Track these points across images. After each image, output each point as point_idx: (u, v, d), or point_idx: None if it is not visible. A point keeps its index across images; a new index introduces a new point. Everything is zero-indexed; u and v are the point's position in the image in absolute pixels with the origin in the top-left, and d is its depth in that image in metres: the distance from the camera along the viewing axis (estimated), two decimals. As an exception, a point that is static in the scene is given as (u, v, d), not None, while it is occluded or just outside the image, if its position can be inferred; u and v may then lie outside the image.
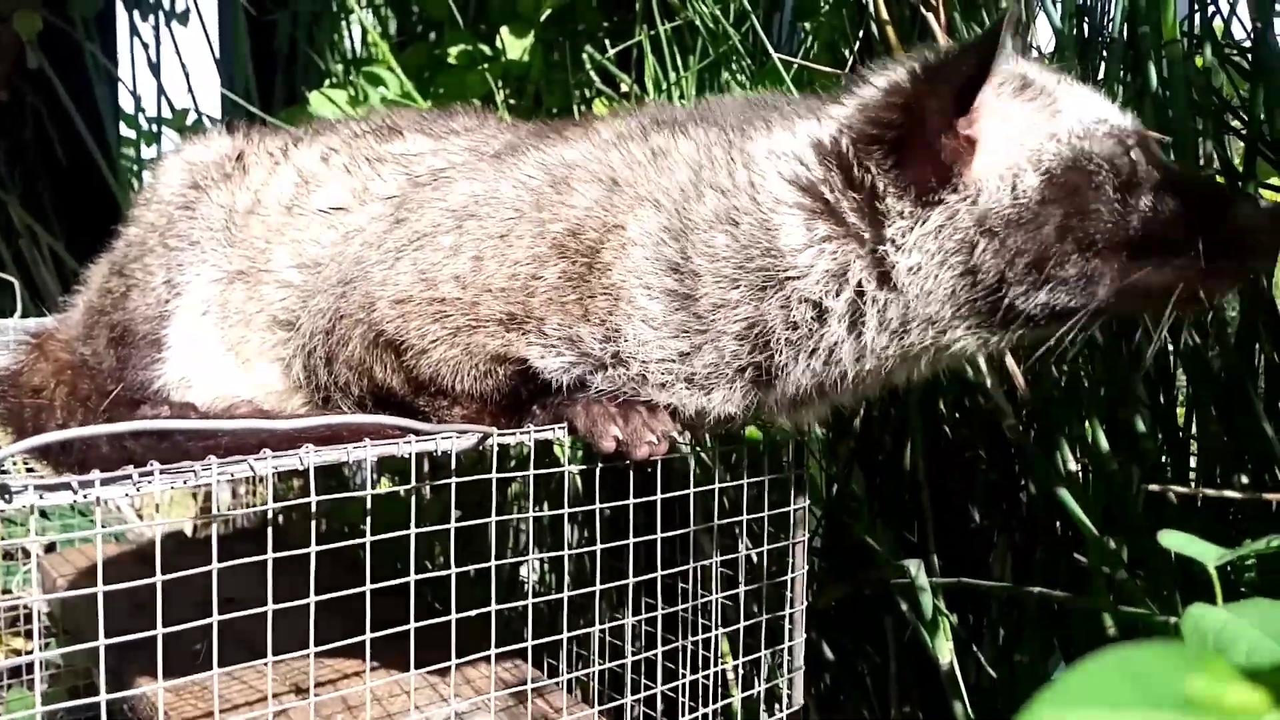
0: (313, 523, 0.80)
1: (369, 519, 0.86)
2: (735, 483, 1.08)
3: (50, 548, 1.59)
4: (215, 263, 1.08)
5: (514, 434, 0.92)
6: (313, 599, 0.81)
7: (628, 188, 0.94)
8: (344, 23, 2.43)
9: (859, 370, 0.91)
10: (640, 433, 0.92)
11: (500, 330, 0.93)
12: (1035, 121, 0.87)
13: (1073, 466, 1.16)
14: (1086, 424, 1.16)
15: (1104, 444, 1.14)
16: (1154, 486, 1.02)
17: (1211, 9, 1.26)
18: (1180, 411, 1.29)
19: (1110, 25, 1.25)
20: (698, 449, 1.18)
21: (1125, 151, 0.87)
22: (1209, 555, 0.76)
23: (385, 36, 2.42)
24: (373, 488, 1.96)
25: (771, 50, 1.40)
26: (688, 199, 0.91)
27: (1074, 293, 0.85)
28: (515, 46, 1.72)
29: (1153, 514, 1.20)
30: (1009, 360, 1.23)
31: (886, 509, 1.49)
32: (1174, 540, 0.78)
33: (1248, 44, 1.22)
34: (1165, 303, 0.85)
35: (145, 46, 2.59)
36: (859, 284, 0.88)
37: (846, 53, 1.56)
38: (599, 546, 0.99)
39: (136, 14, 2.61)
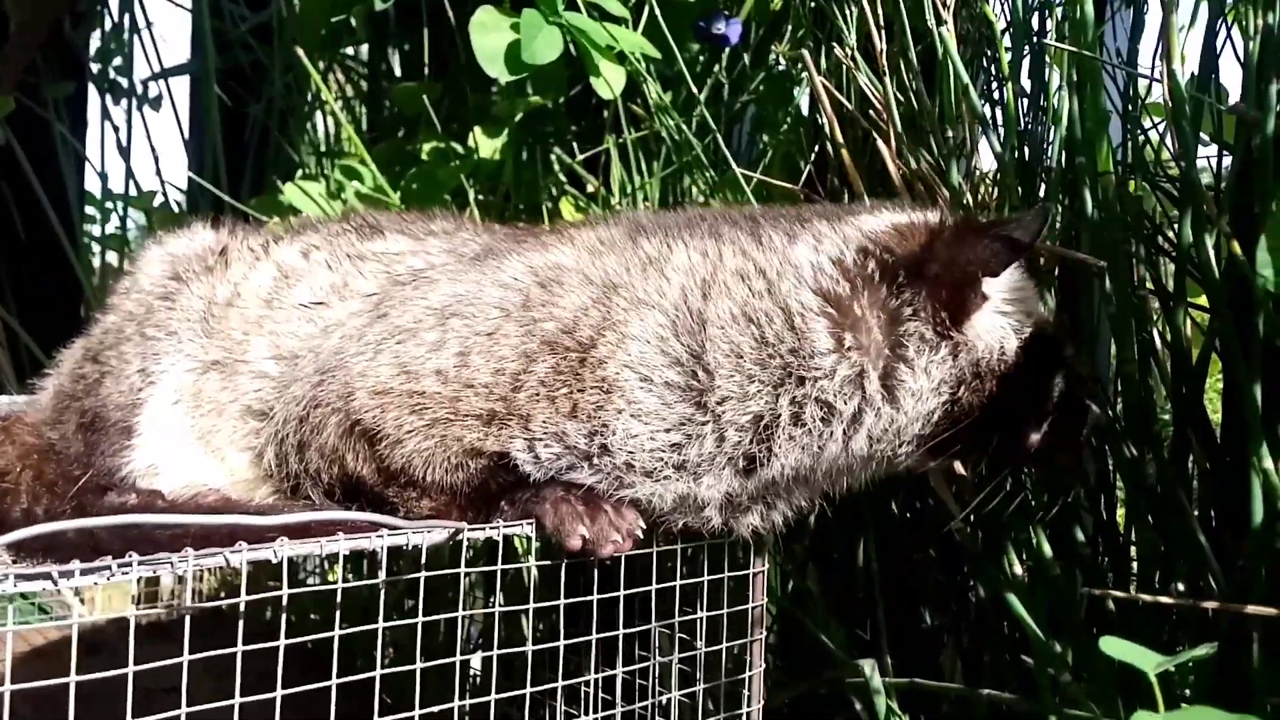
0: (283, 616, 0.81)
1: (337, 612, 0.87)
2: (694, 580, 1.11)
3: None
4: (191, 353, 1.10)
5: (484, 529, 0.94)
6: (279, 692, 0.81)
7: (625, 290, 0.99)
8: (317, 114, 2.49)
9: (830, 467, 0.99)
10: (606, 532, 0.95)
11: (479, 425, 0.96)
12: (1022, 298, 1.02)
13: (1018, 570, 1.20)
14: (1031, 529, 1.20)
15: (1047, 549, 1.18)
16: (1095, 591, 1.06)
17: (1143, 139, 1.35)
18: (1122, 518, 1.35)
19: (1049, 153, 1.33)
20: (657, 547, 1.20)
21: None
22: (1148, 663, 0.80)
23: (358, 130, 2.48)
24: (323, 580, 1.94)
25: (733, 162, 1.47)
26: (692, 301, 0.97)
27: (1001, 437, 1.01)
28: (487, 146, 1.78)
29: (1097, 618, 1.24)
30: (957, 465, 1.28)
31: (841, 608, 1.52)
32: (1115, 647, 0.82)
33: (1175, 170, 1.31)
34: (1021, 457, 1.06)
35: (115, 129, 2.62)
36: (867, 393, 0.95)
37: (802, 164, 1.65)
38: (562, 643, 1.00)
39: (109, 97, 2.66)
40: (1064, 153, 1.28)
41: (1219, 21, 1.29)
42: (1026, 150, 1.37)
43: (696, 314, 0.96)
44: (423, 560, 0.90)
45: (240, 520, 0.85)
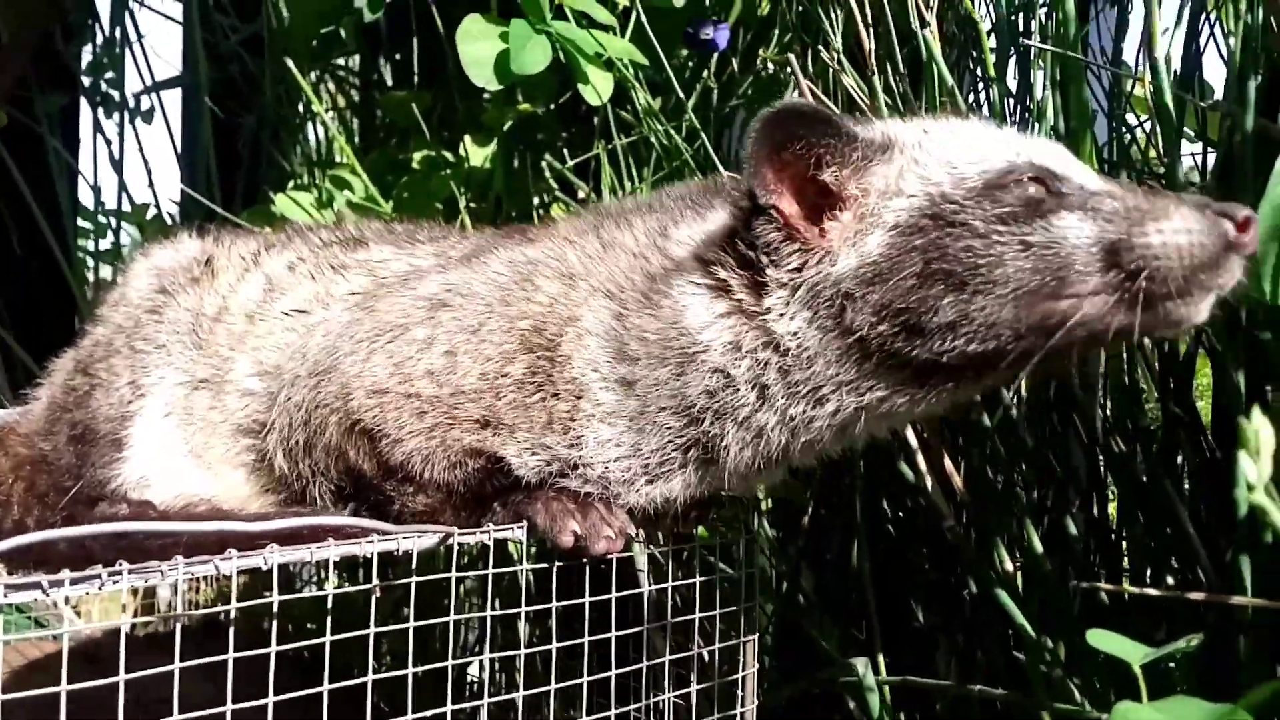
0: (274, 623, 0.82)
1: (329, 619, 0.88)
2: (687, 581, 1.11)
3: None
4: (181, 366, 1.10)
5: (474, 534, 0.95)
6: (271, 699, 0.82)
7: (582, 280, 0.99)
8: (309, 125, 2.49)
9: (796, 442, 0.95)
10: (598, 528, 0.95)
11: (476, 428, 0.97)
12: (888, 182, 0.91)
13: (1009, 567, 1.21)
14: (1021, 525, 1.21)
15: (1038, 545, 1.19)
16: (1084, 584, 1.07)
17: (1128, 136, 1.36)
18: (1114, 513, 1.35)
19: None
20: (651, 547, 1.20)
21: (1007, 186, 0.86)
22: (1134, 654, 0.81)
23: (350, 140, 2.49)
24: (321, 587, 1.94)
25: (721, 167, 1.48)
26: (629, 287, 0.98)
27: (975, 338, 0.84)
28: (478, 154, 1.79)
29: (1091, 613, 1.25)
30: (947, 462, 1.29)
31: (835, 607, 1.52)
32: (1102, 639, 0.83)
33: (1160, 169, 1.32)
34: (1080, 339, 0.84)
35: (108, 143, 2.62)
36: (754, 351, 0.93)
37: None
38: (554, 645, 1.01)
39: (101, 111, 2.66)
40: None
41: (1202, 19, 1.30)
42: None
43: (624, 303, 0.97)
44: (413, 565, 0.90)
45: (231, 527, 0.86)
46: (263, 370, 1.09)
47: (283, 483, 1.05)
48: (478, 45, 1.49)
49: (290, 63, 1.85)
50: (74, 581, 0.69)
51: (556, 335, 0.97)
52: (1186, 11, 1.28)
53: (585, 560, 0.97)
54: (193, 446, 1.09)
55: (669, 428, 0.96)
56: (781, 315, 0.92)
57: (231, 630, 0.81)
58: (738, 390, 0.94)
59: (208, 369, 1.10)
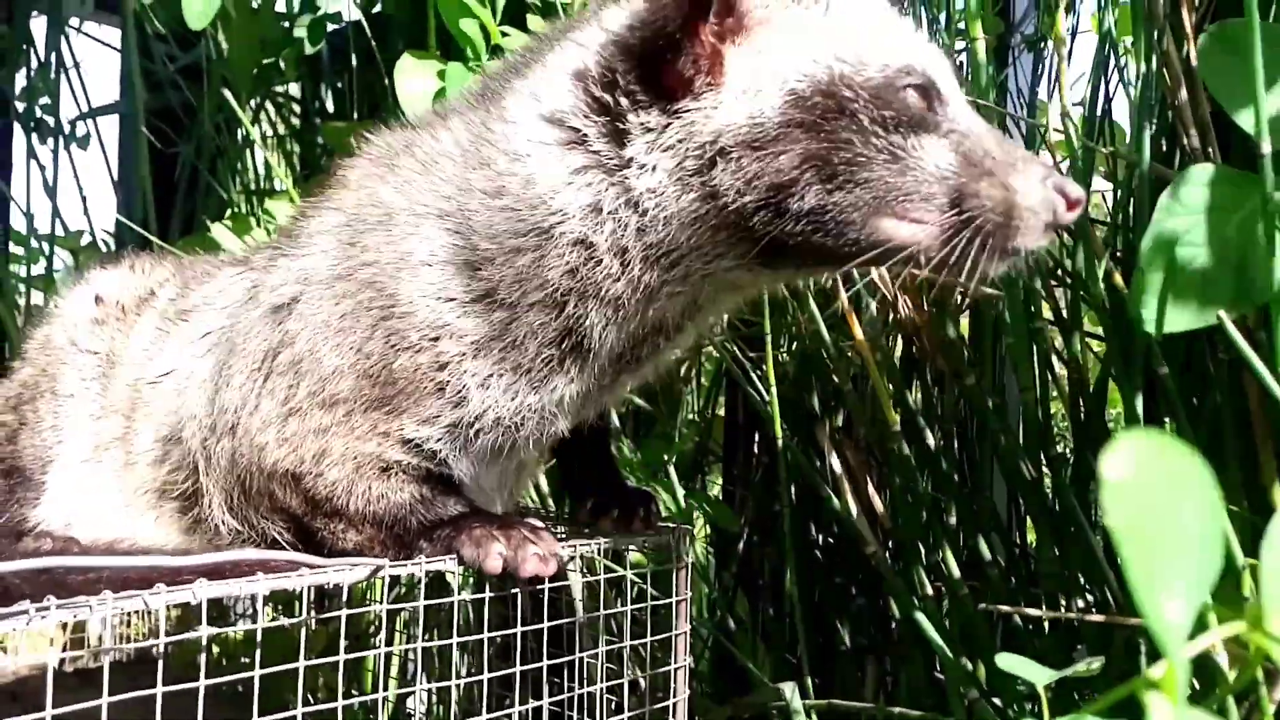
0: (202, 655, 0.82)
1: (258, 652, 0.88)
2: (621, 609, 1.13)
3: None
4: (93, 414, 1.09)
5: (405, 565, 0.96)
6: (200, 732, 0.82)
7: (402, 214, 0.91)
8: (248, 153, 2.49)
9: (647, 314, 0.89)
10: (524, 548, 0.92)
11: (374, 433, 0.94)
12: (800, 38, 0.82)
13: (929, 591, 1.25)
14: (940, 550, 1.25)
15: (955, 570, 1.23)
16: (992, 607, 1.11)
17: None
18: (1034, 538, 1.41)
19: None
20: (586, 574, 1.22)
21: (898, 90, 0.81)
22: (1039, 676, 0.85)
23: (290, 167, 2.49)
24: (254, 620, 1.93)
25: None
26: (464, 189, 0.88)
27: (824, 231, 0.80)
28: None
29: (1009, 635, 1.30)
30: (871, 490, 1.33)
31: (768, 632, 1.56)
32: (1008, 661, 0.87)
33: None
34: (899, 259, 0.81)
35: (42, 169, 2.59)
36: (614, 213, 0.84)
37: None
38: (486, 675, 1.02)
39: (35, 136, 2.63)
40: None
41: (1110, 67, 1.37)
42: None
43: (464, 210, 0.89)
44: (344, 599, 0.91)
45: (157, 562, 0.86)
46: (164, 438, 1.07)
47: (218, 532, 1.05)
48: (414, 81, 1.51)
49: (229, 94, 1.85)
50: (1, 617, 0.70)
51: (392, 285, 0.90)
52: (1096, 59, 1.36)
53: (519, 588, 0.98)
54: (120, 491, 1.08)
55: (540, 324, 0.88)
56: (643, 168, 0.82)
57: (160, 664, 0.81)
58: (600, 262, 0.85)
59: (116, 427, 1.09)
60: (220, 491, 1.03)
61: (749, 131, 0.80)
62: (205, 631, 0.82)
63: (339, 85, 2.36)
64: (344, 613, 0.92)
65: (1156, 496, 0.40)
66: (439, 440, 0.95)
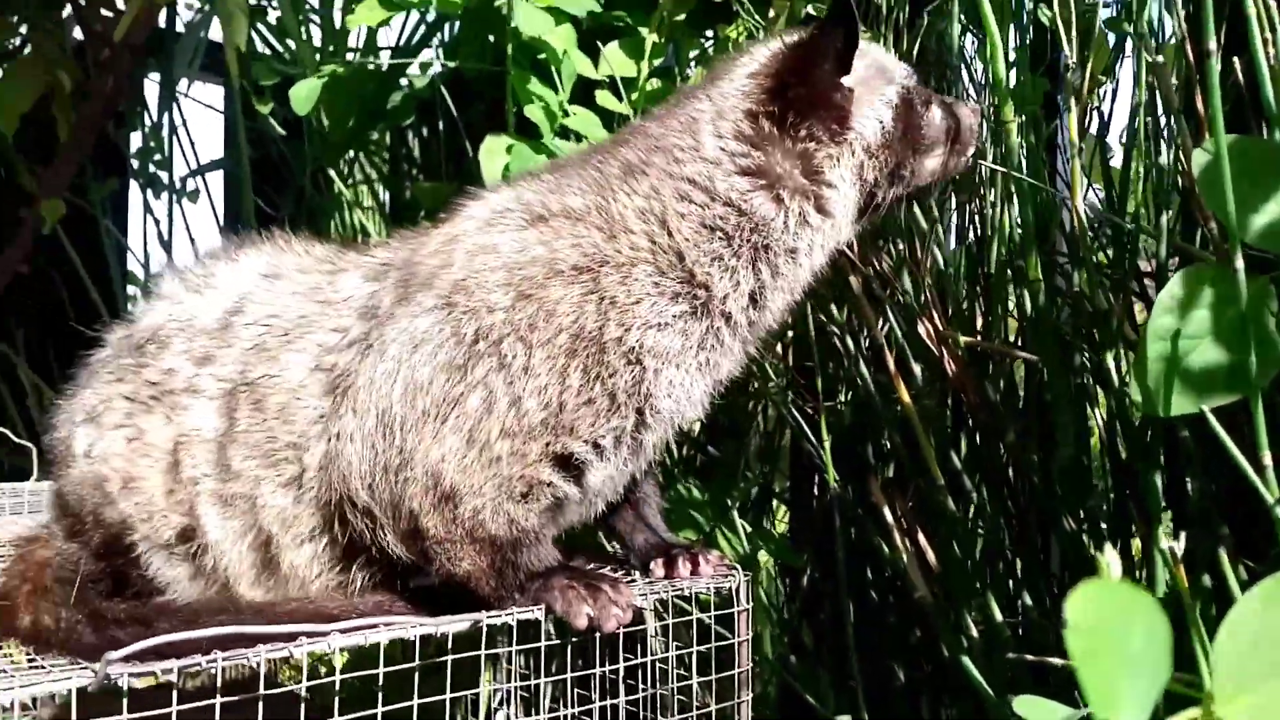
0: (302, 706, 0.98)
1: (336, 699, 1.04)
2: (685, 650, 1.26)
3: None
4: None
5: (500, 616, 1.10)
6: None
7: (608, 262, 1.10)
8: (344, 203, 2.68)
9: (805, 280, 1.17)
10: (608, 609, 1.08)
11: (545, 460, 1.10)
12: (877, 73, 1.16)
13: (974, 633, 1.36)
14: (985, 596, 1.36)
15: (997, 614, 1.34)
16: (1014, 656, 1.21)
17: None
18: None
19: (989, 258, 1.50)
20: (656, 614, 1.36)
21: (914, 84, 1.18)
22: (1049, 716, 0.95)
23: (381, 213, 2.67)
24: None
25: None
26: (661, 240, 1.11)
27: (901, 185, 1.17)
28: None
29: (1040, 679, 1.39)
30: (920, 538, 1.44)
31: (831, 665, 1.67)
32: (1024, 705, 0.97)
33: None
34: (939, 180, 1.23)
35: (157, 222, 2.82)
36: (814, 225, 1.12)
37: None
38: (566, 711, 1.16)
39: (150, 192, 2.86)
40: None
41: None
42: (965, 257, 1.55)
43: (669, 249, 1.10)
44: (449, 645, 1.06)
45: (306, 629, 1.01)
46: (290, 483, 1.17)
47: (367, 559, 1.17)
48: (495, 160, 1.67)
49: (324, 163, 2.02)
50: (182, 667, 0.86)
51: (598, 328, 1.08)
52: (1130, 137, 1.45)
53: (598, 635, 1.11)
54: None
55: (740, 321, 1.14)
56: (830, 184, 1.12)
57: (301, 706, 0.97)
58: (797, 260, 1.13)
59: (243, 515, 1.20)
60: (377, 534, 1.15)
61: (883, 138, 1.15)
62: (339, 678, 0.98)
63: (424, 131, 2.53)
64: (449, 658, 1.07)
65: (1110, 631, 0.52)
66: (603, 447, 1.12)
